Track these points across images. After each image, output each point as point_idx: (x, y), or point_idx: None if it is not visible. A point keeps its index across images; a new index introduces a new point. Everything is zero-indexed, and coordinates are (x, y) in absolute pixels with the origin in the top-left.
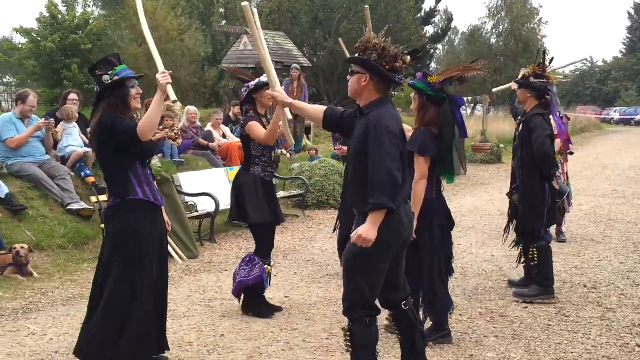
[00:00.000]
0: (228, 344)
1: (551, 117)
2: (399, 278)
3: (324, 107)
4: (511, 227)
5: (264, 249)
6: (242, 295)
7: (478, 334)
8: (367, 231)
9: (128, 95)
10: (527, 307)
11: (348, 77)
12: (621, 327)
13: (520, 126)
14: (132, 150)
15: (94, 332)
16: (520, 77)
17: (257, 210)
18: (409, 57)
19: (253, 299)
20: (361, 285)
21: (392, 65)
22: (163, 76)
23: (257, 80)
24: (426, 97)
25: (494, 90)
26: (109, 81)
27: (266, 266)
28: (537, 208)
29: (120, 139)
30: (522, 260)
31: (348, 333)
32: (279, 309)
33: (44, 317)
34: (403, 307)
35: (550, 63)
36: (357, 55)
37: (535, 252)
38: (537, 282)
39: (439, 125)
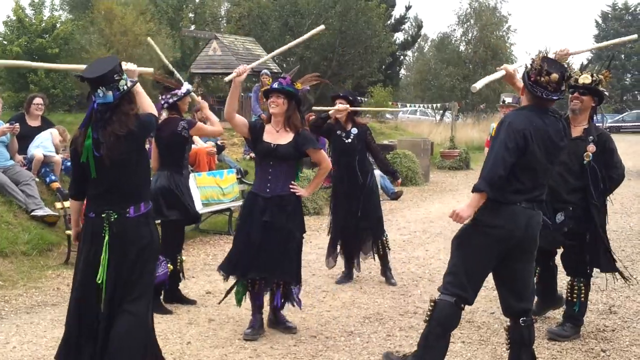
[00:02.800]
0: (195, 351)
1: None
2: (519, 286)
3: None
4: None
5: (173, 246)
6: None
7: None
8: (462, 208)
9: (134, 100)
10: (493, 313)
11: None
12: (586, 333)
13: (591, 146)
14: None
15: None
16: (588, 81)
17: (176, 208)
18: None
19: (156, 297)
20: (457, 263)
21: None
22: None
23: (185, 89)
24: (295, 101)
25: (476, 84)
26: (125, 87)
27: (169, 265)
28: (604, 238)
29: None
30: (575, 297)
31: (432, 304)
32: (192, 302)
33: (7, 325)
34: (521, 322)
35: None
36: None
37: (582, 288)
38: (573, 320)
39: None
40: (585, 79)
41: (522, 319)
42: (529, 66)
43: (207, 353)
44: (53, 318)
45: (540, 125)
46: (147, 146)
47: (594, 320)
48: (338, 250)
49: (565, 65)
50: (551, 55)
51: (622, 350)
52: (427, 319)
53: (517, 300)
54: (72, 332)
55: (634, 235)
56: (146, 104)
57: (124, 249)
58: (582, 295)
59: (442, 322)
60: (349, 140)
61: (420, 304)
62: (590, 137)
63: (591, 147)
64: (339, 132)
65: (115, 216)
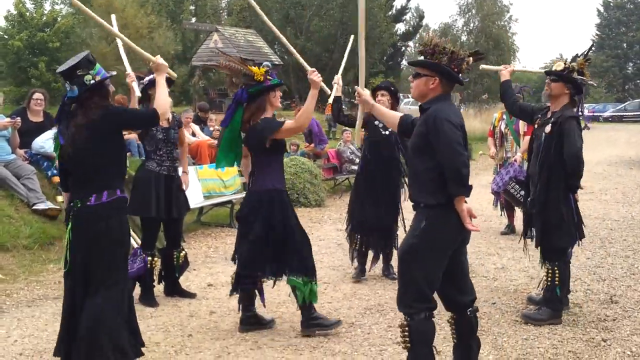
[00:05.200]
0: (196, 343)
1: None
2: (463, 279)
3: (400, 114)
4: (526, 238)
5: (147, 241)
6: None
7: (446, 330)
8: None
9: (109, 94)
10: (494, 304)
11: (411, 78)
12: (587, 322)
13: (549, 127)
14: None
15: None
16: (560, 68)
17: (139, 204)
18: (471, 59)
19: (146, 289)
20: (416, 277)
21: (460, 68)
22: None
23: (152, 76)
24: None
25: (482, 67)
26: (93, 81)
27: (149, 258)
28: (565, 222)
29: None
30: (549, 281)
31: (406, 329)
32: (192, 295)
33: (9, 319)
34: (468, 313)
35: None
36: (422, 57)
37: (556, 272)
38: (550, 304)
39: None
40: (558, 65)
41: (469, 309)
42: (446, 60)
43: (208, 345)
44: (54, 312)
45: (459, 114)
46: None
47: (595, 310)
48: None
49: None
50: (499, 68)
51: (623, 340)
52: (408, 345)
53: (462, 294)
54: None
55: (636, 224)
56: (157, 99)
57: (80, 237)
58: (557, 280)
59: (423, 340)
60: (387, 132)
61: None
62: (552, 118)
63: (547, 128)
64: (376, 122)
65: (79, 204)
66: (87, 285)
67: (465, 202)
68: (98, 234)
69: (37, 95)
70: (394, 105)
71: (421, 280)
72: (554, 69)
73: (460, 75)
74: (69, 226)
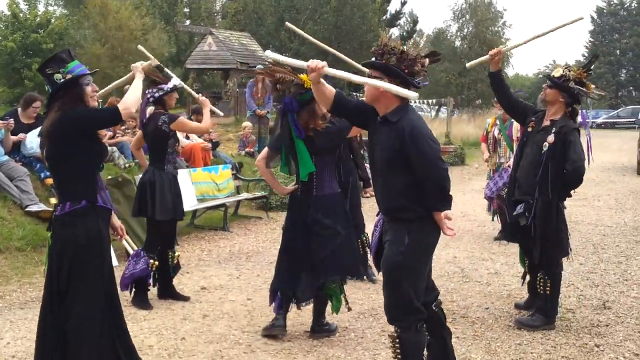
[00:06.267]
0: (189, 347)
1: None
2: (429, 279)
3: (335, 90)
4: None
5: (151, 243)
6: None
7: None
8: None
9: (84, 94)
10: (488, 309)
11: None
12: (580, 328)
13: (552, 137)
14: (93, 149)
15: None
16: (557, 75)
17: (164, 207)
18: (427, 60)
19: (140, 292)
20: (405, 290)
21: (412, 69)
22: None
23: (172, 84)
24: None
25: (468, 64)
26: (62, 80)
27: (151, 260)
28: (560, 231)
29: (94, 127)
30: (542, 289)
31: (397, 341)
32: (186, 298)
33: (1, 321)
34: (433, 308)
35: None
36: (374, 59)
37: (548, 281)
38: (543, 312)
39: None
40: (556, 72)
41: (433, 304)
42: (394, 60)
43: (202, 348)
44: None
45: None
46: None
47: (588, 316)
48: None
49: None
50: (486, 57)
51: (615, 346)
52: (399, 357)
53: (429, 293)
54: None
55: (629, 230)
56: (125, 98)
57: (54, 248)
58: (548, 289)
59: (415, 352)
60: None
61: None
62: (554, 128)
63: (550, 138)
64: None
65: (56, 213)
66: (63, 294)
67: None
68: (65, 241)
69: (37, 103)
70: None
71: (412, 293)
72: (552, 74)
73: (416, 78)
74: (49, 236)
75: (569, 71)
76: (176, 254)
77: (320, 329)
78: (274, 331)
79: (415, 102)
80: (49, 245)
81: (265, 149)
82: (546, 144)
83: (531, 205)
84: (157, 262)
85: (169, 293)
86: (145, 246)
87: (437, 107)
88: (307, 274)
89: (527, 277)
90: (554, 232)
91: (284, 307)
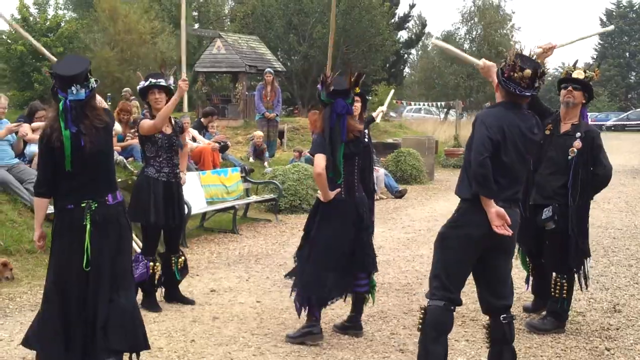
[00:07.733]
0: (199, 349)
1: None
2: (498, 284)
3: None
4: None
5: (148, 247)
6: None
7: (449, 338)
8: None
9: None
10: None
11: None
12: (590, 331)
13: (578, 142)
14: None
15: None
16: (582, 77)
17: (138, 210)
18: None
19: (149, 294)
20: (438, 266)
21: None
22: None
23: (144, 82)
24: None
25: (433, 41)
26: (95, 84)
27: (151, 263)
28: (586, 236)
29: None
30: (557, 293)
31: (423, 312)
32: (191, 302)
33: (12, 323)
34: (502, 319)
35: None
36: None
37: (565, 285)
38: (555, 315)
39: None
40: (579, 74)
41: (502, 316)
42: (502, 62)
43: (211, 351)
44: None
45: (514, 122)
46: None
47: (599, 319)
48: None
49: (539, 62)
50: (537, 50)
51: (626, 349)
52: (420, 326)
53: (496, 298)
54: (57, 322)
55: (639, 233)
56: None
57: (107, 235)
58: (565, 292)
59: (435, 326)
60: (366, 139)
61: (424, 302)
62: (578, 133)
63: (577, 143)
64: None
65: (96, 205)
66: (102, 284)
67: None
68: (123, 231)
69: (40, 113)
70: (363, 109)
71: (441, 268)
72: (574, 77)
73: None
74: (88, 227)
75: (590, 72)
76: (181, 258)
77: (361, 326)
78: (317, 339)
79: (423, 104)
80: (89, 234)
81: (321, 158)
82: (574, 149)
83: (559, 209)
84: (159, 265)
85: (174, 296)
86: (142, 250)
87: (445, 109)
88: (341, 272)
89: (531, 280)
90: (586, 235)
91: (318, 310)
